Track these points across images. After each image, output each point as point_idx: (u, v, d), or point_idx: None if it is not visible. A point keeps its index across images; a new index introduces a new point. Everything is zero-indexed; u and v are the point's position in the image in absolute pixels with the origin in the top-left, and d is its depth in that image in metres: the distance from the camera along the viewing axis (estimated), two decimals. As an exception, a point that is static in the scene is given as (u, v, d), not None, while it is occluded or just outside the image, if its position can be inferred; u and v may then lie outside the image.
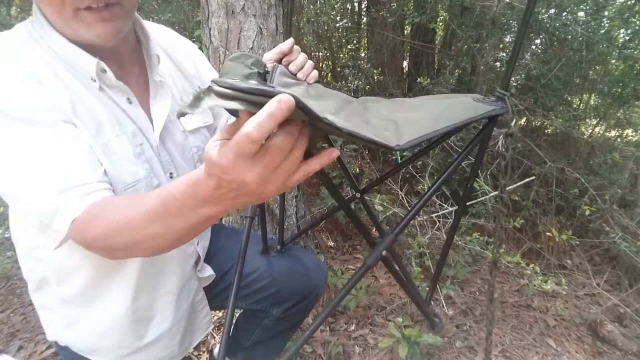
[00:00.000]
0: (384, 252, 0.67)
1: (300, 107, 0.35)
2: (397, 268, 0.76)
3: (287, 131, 0.38)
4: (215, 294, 1.00)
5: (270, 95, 0.34)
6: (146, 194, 0.52)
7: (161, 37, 0.85)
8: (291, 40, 0.73)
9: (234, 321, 1.19)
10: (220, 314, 1.62)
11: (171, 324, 0.87)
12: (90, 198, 0.58)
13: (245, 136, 0.35)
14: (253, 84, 0.37)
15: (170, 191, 0.46)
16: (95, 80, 0.67)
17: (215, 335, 1.57)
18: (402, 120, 0.61)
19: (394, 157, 2.63)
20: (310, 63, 0.76)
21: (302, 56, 0.75)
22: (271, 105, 0.34)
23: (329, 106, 0.68)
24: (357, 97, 0.79)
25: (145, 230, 0.51)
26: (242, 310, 1.21)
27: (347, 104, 0.73)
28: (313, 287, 1.04)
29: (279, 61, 0.74)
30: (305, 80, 0.75)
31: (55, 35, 0.64)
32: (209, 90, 0.36)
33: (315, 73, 0.76)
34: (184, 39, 0.92)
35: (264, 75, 0.67)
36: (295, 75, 0.74)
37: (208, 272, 0.96)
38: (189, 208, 0.45)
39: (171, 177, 0.78)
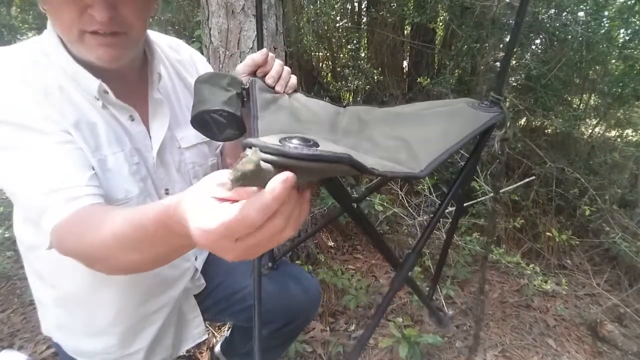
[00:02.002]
0: (409, 274, 0.65)
1: (356, 167, 0.32)
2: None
3: (284, 211, 0.33)
4: (206, 307, 0.99)
5: (330, 160, 0.30)
6: (124, 216, 0.49)
7: (170, 51, 0.86)
8: (264, 51, 0.69)
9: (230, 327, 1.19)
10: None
11: (160, 334, 0.88)
12: (76, 203, 0.58)
13: (241, 221, 0.30)
14: (294, 146, 0.32)
15: (141, 221, 0.44)
16: (98, 99, 0.68)
17: (215, 333, 1.57)
18: (410, 139, 0.59)
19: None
20: (287, 70, 0.72)
21: (278, 64, 0.71)
22: (278, 187, 0.30)
23: (323, 126, 0.65)
24: (352, 101, 0.76)
25: (118, 254, 0.50)
26: None
27: (338, 117, 0.71)
28: (302, 311, 1.01)
29: (253, 73, 0.70)
30: (284, 92, 0.70)
31: (65, 53, 0.67)
32: (257, 154, 0.30)
33: (293, 81, 0.72)
34: (192, 52, 0.92)
35: (242, 95, 0.64)
36: (273, 87, 0.70)
37: (198, 281, 0.96)
38: (161, 239, 0.43)
39: (167, 194, 0.79)
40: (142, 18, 0.66)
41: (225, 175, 0.33)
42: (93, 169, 0.65)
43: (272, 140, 0.32)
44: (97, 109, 0.69)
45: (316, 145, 0.33)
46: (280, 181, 0.29)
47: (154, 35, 0.83)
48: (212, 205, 0.33)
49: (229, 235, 0.32)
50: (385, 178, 1.12)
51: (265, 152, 0.30)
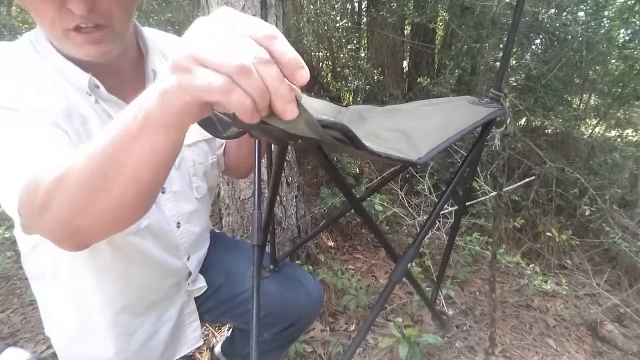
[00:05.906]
0: (408, 266, 0.66)
1: (349, 136, 0.35)
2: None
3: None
4: (207, 309, 0.98)
5: (331, 127, 0.34)
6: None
7: (171, 49, 0.84)
8: None
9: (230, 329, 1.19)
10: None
11: (154, 338, 0.87)
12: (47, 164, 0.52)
13: (288, 47, 0.33)
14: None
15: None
16: (90, 94, 0.67)
17: (215, 333, 1.57)
18: (410, 131, 0.60)
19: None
20: None
21: None
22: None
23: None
24: (352, 101, 0.78)
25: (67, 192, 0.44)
26: None
27: (339, 115, 0.71)
28: (303, 314, 1.00)
29: None
30: None
31: (52, 49, 0.66)
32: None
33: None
34: None
35: None
36: None
37: (200, 283, 0.95)
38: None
39: (163, 192, 0.78)
40: (124, 8, 0.65)
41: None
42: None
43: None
44: (90, 103, 0.68)
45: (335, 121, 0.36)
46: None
47: (156, 33, 0.82)
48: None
49: (271, 42, 0.32)
50: (385, 178, 1.12)
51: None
